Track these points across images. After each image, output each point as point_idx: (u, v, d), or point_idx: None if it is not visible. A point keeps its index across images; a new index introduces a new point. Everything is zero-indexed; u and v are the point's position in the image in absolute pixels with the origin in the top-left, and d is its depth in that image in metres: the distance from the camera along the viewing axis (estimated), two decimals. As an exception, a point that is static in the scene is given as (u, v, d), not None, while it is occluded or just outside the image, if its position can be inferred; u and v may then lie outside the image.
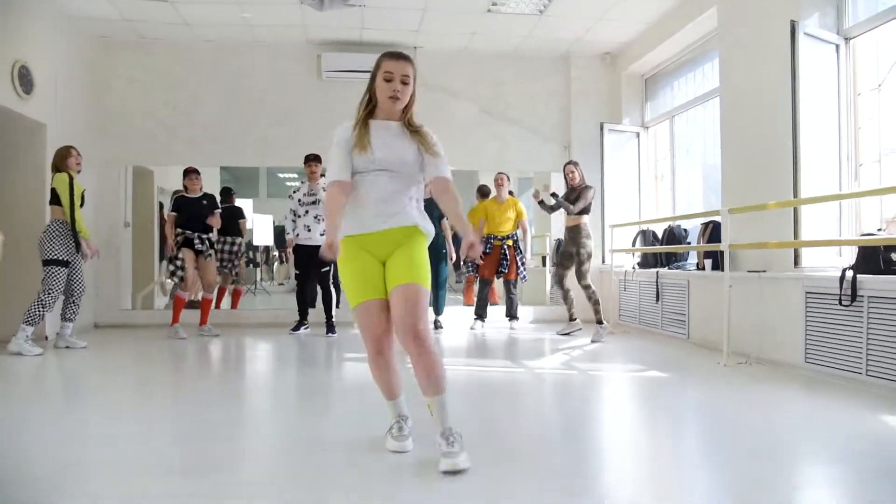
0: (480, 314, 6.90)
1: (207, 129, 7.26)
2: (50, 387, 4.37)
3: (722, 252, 4.69)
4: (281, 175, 13.71)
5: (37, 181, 5.97)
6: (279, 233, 13.24)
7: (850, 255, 4.26)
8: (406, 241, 2.48)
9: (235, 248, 7.19)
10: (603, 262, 7.24)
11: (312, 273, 6.41)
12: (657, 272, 6.14)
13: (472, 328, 6.82)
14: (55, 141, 5.92)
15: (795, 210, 4.19)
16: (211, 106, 7.26)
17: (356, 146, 2.45)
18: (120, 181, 7.26)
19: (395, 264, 2.45)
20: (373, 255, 2.48)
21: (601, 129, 7.25)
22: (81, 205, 5.38)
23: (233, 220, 7.32)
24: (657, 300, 6.12)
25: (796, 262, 4.27)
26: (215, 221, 6.25)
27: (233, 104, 7.28)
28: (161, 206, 8.77)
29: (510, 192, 7.31)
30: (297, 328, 6.49)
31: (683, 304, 5.73)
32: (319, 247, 6.26)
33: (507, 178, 6.88)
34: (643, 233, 6.79)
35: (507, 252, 6.70)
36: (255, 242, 11.47)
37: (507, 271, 6.72)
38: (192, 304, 7.86)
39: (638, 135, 7.40)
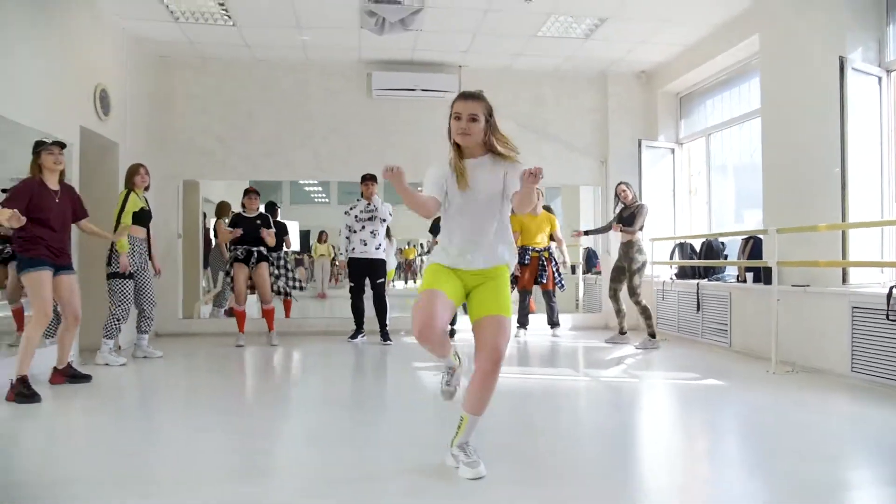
0: (523, 322, 7.23)
1: (261, 144, 7.59)
2: (139, 393, 4.72)
3: (763, 268, 5.03)
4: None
5: (110, 197, 6.28)
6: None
7: (891, 274, 4.63)
8: (492, 278, 2.68)
9: (283, 262, 7.53)
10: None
11: (366, 284, 6.75)
12: (698, 283, 6.48)
13: (515, 336, 7.15)
14: (126, 158, 6.27)
15: (844, 232, 4.54)
16: (265, 123, 7.60)
17: (458, 183, 2.63)
18: (176, 194, 7.60)
19: (486, 296, 2.66)
20: (459, 279, 2.69)
21: (639, 145, 7.59)
22: (144, 222, 5.64)
23: (282, 235, 7.70)
24: (698, 310, 6.47)
25: (844, 280, 4.62)
26: (270, 239, 6.54)
27: (286, 121, 7.62)
28: (205, 216, 9.12)
29: (545, 207, 7.68)
30: (354, 336, 6.83)
31: (725, 315, 6.07)
32: (374, 260, 6.69)
33: (542, 192, 7.20)
34: (681, 246, 7.14)
35: (544, 263, 7.04)
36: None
37: (545, 281, 7.05)
38: (232, 313, 8.25)
39: (673, 151, 7.75)
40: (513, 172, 2.62)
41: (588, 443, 3.22)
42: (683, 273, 7.02)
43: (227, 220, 8.66)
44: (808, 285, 5.04)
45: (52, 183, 4.34)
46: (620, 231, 6.35)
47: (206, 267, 8.88)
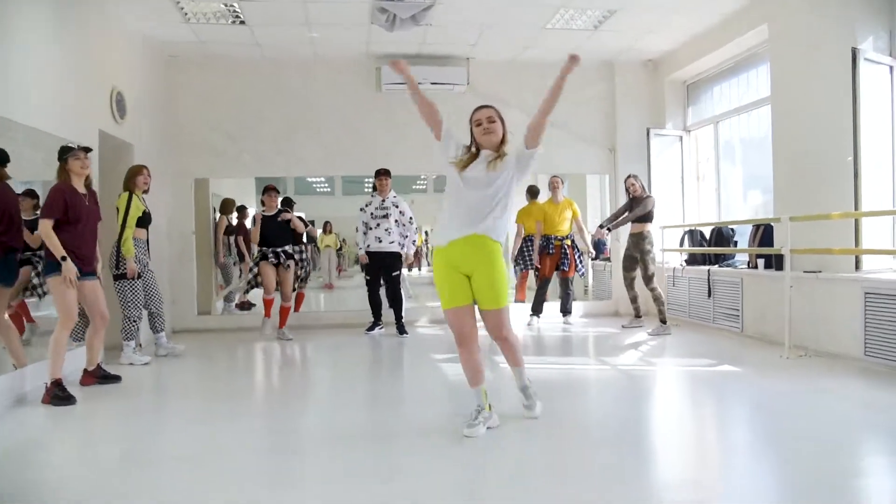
0: (537, 309, 7.34)
1: (272, 141, 7.65)
2: (167, 392, 4.84)
3: (775, 254, 5.12)
4: (351, 175, 14.14)
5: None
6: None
7: (903, 258, 4.73)
8: (484, 262, 3.15)
9: (305, 255, 7.61)
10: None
11: (383, 277, 6.85)
12: (709, 270, 6.58)
13: (528, 324, 7.27)
14: (140, 159, 6.32)
15: (857, 220, 4.63)
16: (274, 119, 7.65)
17: (459, 164, 3.25)
18: (190, 192, 7.66)
19: (482, 289, 3.19)
20: (458, 270, 3.18)
21: (647, 133, 7.65)
22: (146, 224, 5.64)
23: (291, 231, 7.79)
24: (709, 296, 6.57)
25: (857, 267, 4.71)
26: (300, 226, 6.62)
27: (295, 117, 7.67)
28: (215, 211, 9.19)
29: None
30: (371, 328, 6.94)
31: (737, 300, 6.17)
32: (390, 253, 6.79)
33: (562, 180, 7.30)
34: (690, 233, 7.23)
35: (566, 251, 7.14)
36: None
37: (567, 269, 7.16)
38: (244, 306, 8.35)
39: (681, 138, 7.81)
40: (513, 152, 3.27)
41: (609, 433, 3.33)
42: (694, 260, 7.12)
43: (230, 218, 8.80)
44: (819, 271, 5.14)
45: (80, 187, 4.41)
46: (599, 236, 6.84)
47: (216, 264, 8.97)
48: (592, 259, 9.16)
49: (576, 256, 7.15)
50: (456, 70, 7.59)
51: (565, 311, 7.37)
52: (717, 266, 6.65)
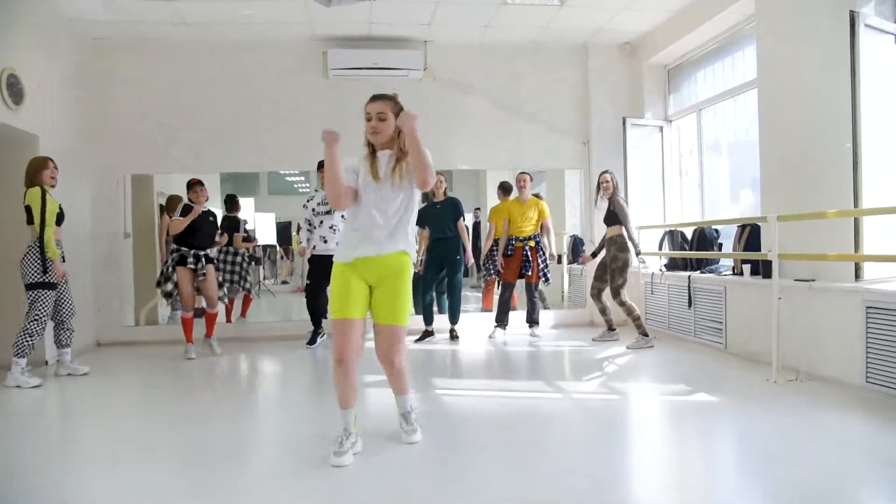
0: (501, 321, 6.59)
1: (209, 132, 6.89)
2: (48, 421, 4.08)
3: (762, 260, 4.39)
4: (283, 171, 13.37)
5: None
6: (281, 230, 12.92)
7: (912, 265, 3.95)
8: (394, 274, 2.91)
9: (238, 258, 6.87)
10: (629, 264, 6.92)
11: (325, 284, 6.10)
12: (689, 276, 5.82)
13: (491, 336, 6.53)
14: (48, 152, 5.56)
15: (856, 220, 3.87)
16: (212, 108, 6.89)
17: (370, 174, 2.90)
18: (119, 190, 6.90)
19: (382, 301, 2.92)
20: (361, 278, 2.91)
21: (624, 123, 6.89)
22: (59, 222, 5.00)
23: (233, 232, 7.08)
24: (689, 306, 5.81)
25: (857, 276, 3.95)
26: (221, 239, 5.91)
27: (234, 105, 6.91)
28: (162, 209, 8.44)
29: (535, 194, 7.04)
30: (313, 340, 6.19)
31: (720, 312, 5.42)
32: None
33: (531, 177, 6.54)
34: (671, 233, 6.47)
35: (528, 254, 6.40)
36: (259, 242, 11.13)
37: (529, 273, 6.42)
38: (197, 313, 7.59)
39: (661, 129, 7.05)
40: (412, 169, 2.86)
41: (557, 487, 2.57)
42: (674, 264, 6.36)
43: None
44: (813, 280, 4.38)
45: None
46: (585, 261, 6.29)
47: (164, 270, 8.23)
48: (570, 263, 8.42)
49: (539, 260, 6.39)
50: (412, 54, 6.82)
51: (531, 321, 6.61)
52: (698, 272, 5.89)
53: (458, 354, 5.84)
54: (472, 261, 6.54)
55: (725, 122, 6.42)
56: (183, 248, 5.74)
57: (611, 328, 6.08)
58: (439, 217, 6.29)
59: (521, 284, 6.71)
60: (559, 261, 8.27)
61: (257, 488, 2.67)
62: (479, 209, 9.81)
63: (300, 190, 16.11)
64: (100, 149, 6.71)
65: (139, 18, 6.17)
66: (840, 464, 2.85)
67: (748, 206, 6.16)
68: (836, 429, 3.34)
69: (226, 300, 6.38)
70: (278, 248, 13.09)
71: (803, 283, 4.39)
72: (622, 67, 7.21)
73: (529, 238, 6.43)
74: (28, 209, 4.85)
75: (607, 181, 5.85)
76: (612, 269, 5.70)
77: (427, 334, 6.40)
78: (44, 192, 4.86)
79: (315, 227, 6.11)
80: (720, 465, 3.02)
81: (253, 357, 5.92)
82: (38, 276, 4.82)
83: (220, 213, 6.89)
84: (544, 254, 6.46)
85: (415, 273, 6.42)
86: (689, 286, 5.81)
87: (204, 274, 5.76)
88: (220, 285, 6.03)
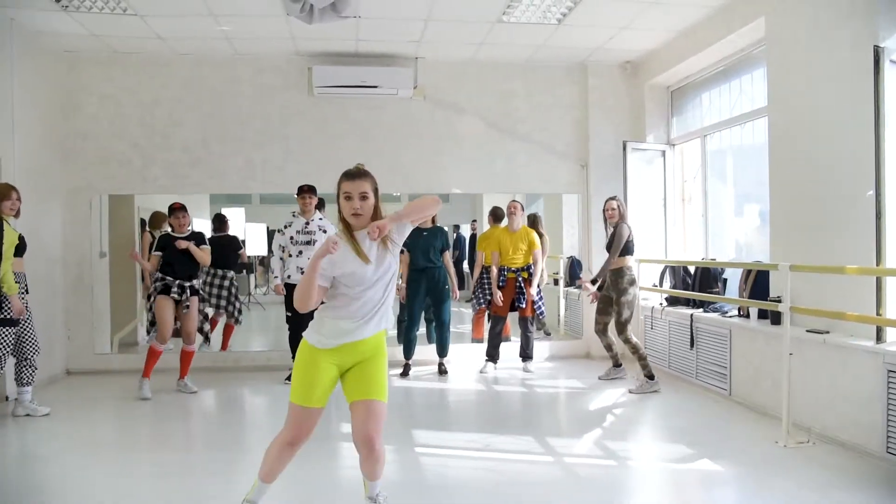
0: (492, 355, 6.25)
1: (187, 151, 6.54)
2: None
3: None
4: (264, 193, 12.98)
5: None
6: (272, 238, 12.56)
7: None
8: (375, 351, 2.69)
9: (226, 282, 6.49)
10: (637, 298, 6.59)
11: (306, 316, 5.74)
12: (692, 315, 5.47)
13: (482, 371, 6.19)
14: (11, 174, 5.23)
15: (879, 278, 3.52)
16: (190, 126, 6.53)
17: (359, 257, 2.59)
18: (93, 210, 6.54)
19: (362, 377, 2.66)
20: (335, 363, 2.65)
21: (624, 147, 6.53)
22: (20, 253, 4.64)
23: (224, 252, 6.66)
24: (692, 347, 5.47)
25: (879, 337, 3.60)
26: (201, 256, 5.45)
27: (215, 123, 6.55)
28: (143, 224, 8.07)
29: (530, 216, 6.70)
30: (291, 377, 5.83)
31: (724, 356, 5.07)
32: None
33: (521, 206, 6.20)
34: (672, 267, 6.13)
35: (522, 286, 6.05)
36: (249, 253, 10.74)
37: (523, 306, 6.07)
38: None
39: (663, 153, 6.70)
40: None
41: None
42: (675, 300, 6.01)
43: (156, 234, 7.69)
44: (827, 332, 4.04)
45: None
46: (586, 289, 5.71)
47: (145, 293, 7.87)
48: (566, 286, 8.08)
49: (534, 293, 6.05)
50: (402, 71, 6.46)
51: (525, 355, 6.26)
52: (701, 310, 5.54)
53: (445, 395, 5.49)
54: (458, 295, 6.21)
55: (732, 147, 6.07)
56: (168, 278, 5.36)
57: (617, 364, 5.75)
58: (426, 244, 5.95)
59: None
60: (556, 283, 7.93)
61: None
62: (475, 221, 9.45)
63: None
64: (70, 168, 6.37)
65: (111, 33, 5.82)
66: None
67: (753, 237, 5.82)
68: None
69: (206, 327, 5.96)
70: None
71: (817, 336, 4.05)
72: (622, 88, 6.86)
73: (522, 269, 6.09)
74: None
75: (613, 209, 5.52)
76: (620, 303, 5.36)
77: (408, 368, 6.06)
78: (1, 224, 4.51)
79: (292, 256, 5.74)
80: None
81: (224, 394, 5.57)
82: (6, 313, 4.46)
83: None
84: (539, 287, 6.12)
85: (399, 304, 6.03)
86: (691, 326, 5.47)
87: (187, 306, 5.38)
88: (202, 313, 5.65)
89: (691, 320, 5.46)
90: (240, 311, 6.87)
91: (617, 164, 6.64)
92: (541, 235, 6.39)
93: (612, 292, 5.48)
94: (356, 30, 5.80)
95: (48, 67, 6.11)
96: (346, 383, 2.70)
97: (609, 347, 5.69)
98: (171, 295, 5.33)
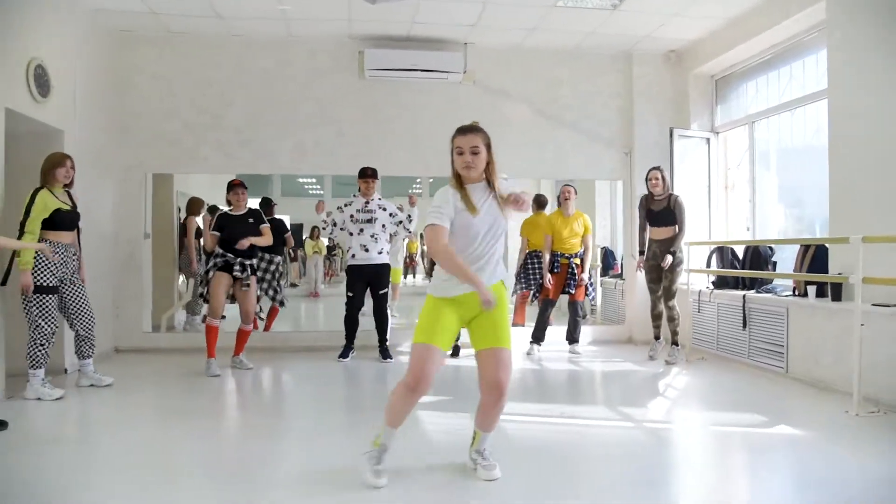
0: (539, 337, 6.31)
1: (238, 132, 6.60)
2: (69, 435, 3.79)
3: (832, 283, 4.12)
4: (302, 176, 13.04)
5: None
6: (293, 232, 12.65)
7: None
8: (499, 303, 2.74)
9: (273, 266, 6.54)
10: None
11: (370, 294, 5.87)
12: (744, 295, 5.55)
13: (528, 353, 6.24)
14: (73, 149, 5.27)
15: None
16: (241, 107, 6.60)
17: (467, 208, 2.72)
18: (141, 189, 6.60)
19: (489, 325, 2.79)
20: (458, 314, 2.79)
21: (671, 134, 6.63)
22: (68, 225, 4.60)
23: (275, 236, 6.70)
24: (744, 327, 5.55)
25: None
26: (263, 240, 5.46)
27: (266, 105, 6.62)
28: (180, 210, 8.13)
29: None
30: (345, 354, 5.89)
31: (780, 335, 5.15)
32: (378, 265, 5.77)
33: (575, 190, 6.28)
34: (720, 250, 6.21)
35: (574, 270, 6.14)
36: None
37: (573, 291, 6.16)
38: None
39: (708, 140, 6.80)
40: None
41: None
42: (723, 282, 6.10)
43: (200, 219, 7.73)
44: (895, 305, 4.12)
45: None
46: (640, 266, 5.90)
47: (181, 273, 7.91)
48: (602, 276, 8.18)
49: (585, 278, 6.14)
50: (452, 56, 6.55)
51: (572, 339, 6.34)
52: (753, 291, 5.63)
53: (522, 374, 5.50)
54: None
55: (780, 134, 6.17)
56: (229, 255, 5.37)
57: (675, 342, 5.77)
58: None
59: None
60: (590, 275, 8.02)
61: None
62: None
63: (311, 192, 15.85)
64: (124, 146, 6.42)
65: (167, 10, 5.88)
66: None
67: (797, 220, 5.92)
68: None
69: (262, 315, 5.99)
70: (291, 250, 12.79)
71: (885, 309, 4.13)
72: (667, 77, 6.96)
73: (575, 255, 6.17)
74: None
75: (657, 178, 5.63)
76: (675, 273, 5.58)
77: (457, 349, 6.10)
78: (35, 194, 4.47)
79: (352, 235, 5.83)
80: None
81: (281, 370, 5.62)
82: (35, 279, 4.41)
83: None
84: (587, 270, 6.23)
85: None
86: (744, 306, 5.54)
87: (248, 285, 5.40)
88: (258, 298, 5.69)
89: (744, 301, 5.54)
90: (285, 295, 6.91)
91: (661, 151, 6.73)
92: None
93: (663, 262, 5.59)
94: (414, 11, 5.88)
95: (104, 46, 6.17)
96: (472, 333, 2.84)
97: (672, 319, 5.72)
98: (234, 273, 5.37)
